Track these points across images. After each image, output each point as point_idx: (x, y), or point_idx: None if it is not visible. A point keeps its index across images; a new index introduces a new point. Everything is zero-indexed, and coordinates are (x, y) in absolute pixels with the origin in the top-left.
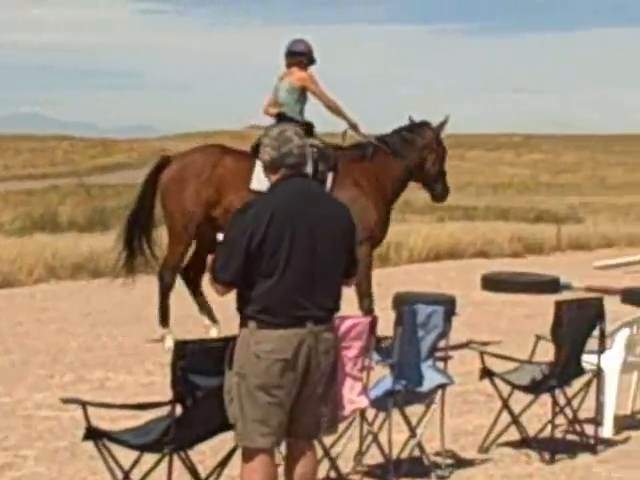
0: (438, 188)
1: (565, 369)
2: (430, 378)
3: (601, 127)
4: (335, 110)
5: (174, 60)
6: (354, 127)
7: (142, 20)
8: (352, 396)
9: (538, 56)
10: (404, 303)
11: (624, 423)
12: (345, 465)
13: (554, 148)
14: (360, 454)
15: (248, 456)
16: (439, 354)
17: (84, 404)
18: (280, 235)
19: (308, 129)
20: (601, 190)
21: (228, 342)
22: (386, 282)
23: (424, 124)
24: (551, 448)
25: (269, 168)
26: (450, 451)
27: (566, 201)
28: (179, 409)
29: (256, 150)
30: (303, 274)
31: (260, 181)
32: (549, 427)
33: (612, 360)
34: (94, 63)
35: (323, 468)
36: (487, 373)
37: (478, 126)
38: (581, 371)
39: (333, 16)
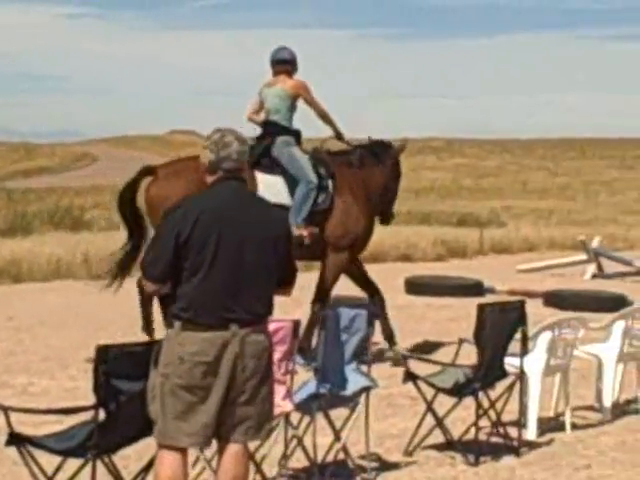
0: (390, 210)
1: (488, 372)
2: (354, 381)
3: (523, 132)
4: (326, 118)
5: (98, 64)
6: (340, 135)
7: (64, 24)
8: (277, 400)
9: (458, 61)
10: (329, 307)
11: (547, 425)
12: (270, 469)
13: (476, 152)
14: (285, 458)
15: (161, 453)
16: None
17: (6, 409)
18: (206, 236)
19: (297, 137)
20: (523, 194)
21: (151, 346)
22: (311, 286)
23: (389, 143)
24: (475, 451)
25: (208, 170)
26: (375, 454)
27: (488, 205)
28: (102, 414)
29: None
30: (229, 276)
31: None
32: (473, 430)
33: (534, 363)
34: (14, 67)
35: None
36: (411, 376)
37: (399, 131)
38: (504, 374)
39: (252, 21)
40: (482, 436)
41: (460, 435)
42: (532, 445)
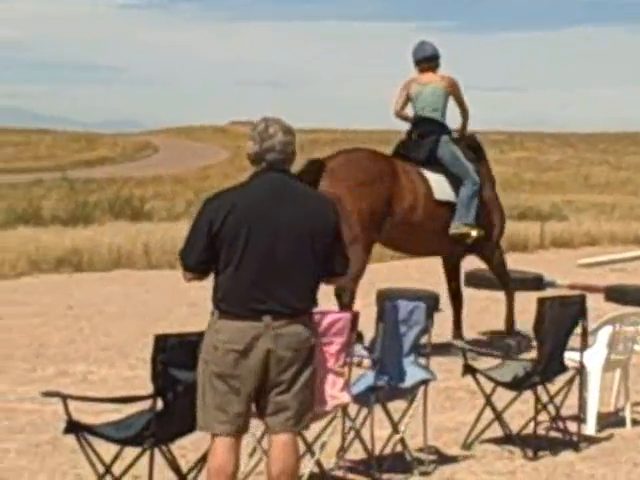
0: None
1: (548, 366)
2: (412, 374)
3: (584, 125)
4: (466, 117)
5: (157, 55)
6: (463, 133)
7: (124, 14)
8: (334, 392)
9: (520, 54)
10: (387, 299)
11: (607, 420)
12: (328, 460)
13: (538, 146)
14: (343, 450)
15: (212, 441)
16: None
17: (65, 397)
18: (237, 229)
19: (451, 135)
20: (585, 188)
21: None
22: (370, 278)
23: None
24: (534, 445)
25: (252, 161)
26: (433, 447)
27: (550, 199)
28: (160, 403)
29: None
30: (260, 269)
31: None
32: (532, 424)
33: (594, 357)
34: (76, 58)
35: (306, 463)
36: (470, 369)
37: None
38: (564, 368)
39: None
40: (541, 430)
41: (519, 429)
42: (591, 440)
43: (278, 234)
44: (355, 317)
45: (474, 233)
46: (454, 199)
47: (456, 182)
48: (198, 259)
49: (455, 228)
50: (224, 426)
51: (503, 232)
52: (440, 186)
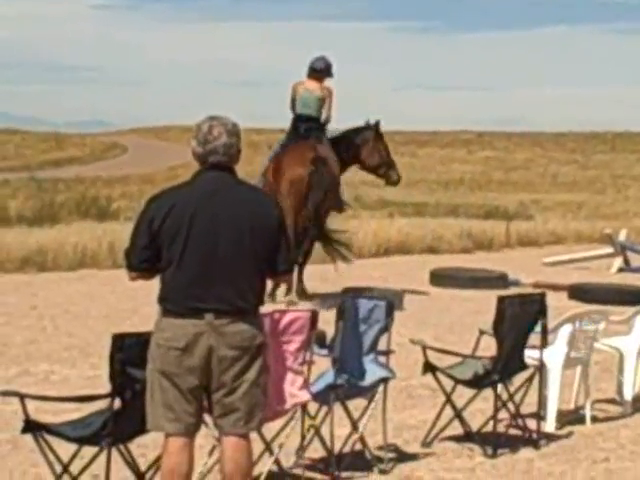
0: None
1: (507, 364)
2: (372, 372)
3: (553, 125)
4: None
5: (128, 55)
6: None
7: (96, 15)
8: (293, 390)
9: (491, 54)
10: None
11: (567, 418)
12: (287, 459)
13: (506, 145)
14: (302, 448)
15: (165, 441)
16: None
17: (22, 397)
18: (177, 227)
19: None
20: (552, 187)
21: None
22: (335, 277)
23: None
24: (493, 442)
25: (197, 161)
26: (392, 445)
27: (517, 198)
28: (118, 402)
29: None
30: (200, 267)
31: None
32: (492, 422)
33: (555, 355)
34: (45, 57)
35: (265, 462)
36: (430, 368)
37: (430, 123)
38: (523, 366)
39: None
40: (501, 428)
41: (479, 427)
42: (551, 437)
43: (219, 232)
44: (314, 315)
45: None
46: None
47: None
48: (140, 258)
49: None
50: (172, 424)
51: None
52: None
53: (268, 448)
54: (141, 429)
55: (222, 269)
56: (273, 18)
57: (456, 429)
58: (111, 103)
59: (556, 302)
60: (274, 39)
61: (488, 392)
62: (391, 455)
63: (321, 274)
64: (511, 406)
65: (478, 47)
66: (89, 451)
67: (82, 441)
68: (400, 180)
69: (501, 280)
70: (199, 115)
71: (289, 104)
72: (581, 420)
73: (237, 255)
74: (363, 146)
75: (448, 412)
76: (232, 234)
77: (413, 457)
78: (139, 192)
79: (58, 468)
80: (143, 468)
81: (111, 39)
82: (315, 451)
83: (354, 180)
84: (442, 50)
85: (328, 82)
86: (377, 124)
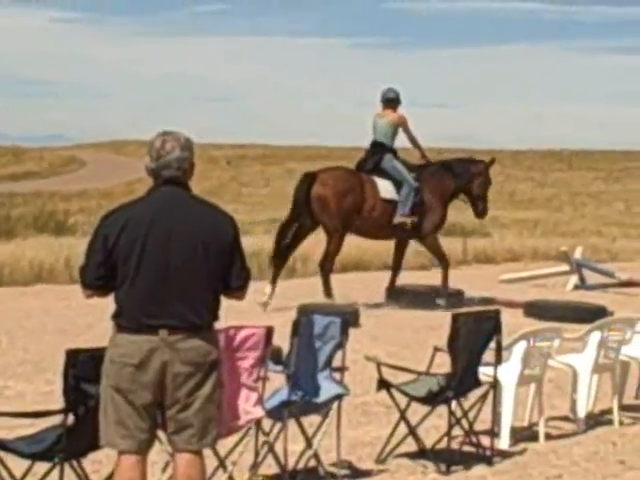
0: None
1: (462, 381)
2: (326, 389)
3: (511, 143)
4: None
5: (88, 69)
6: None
7: (56, 28)
8: (247, 406)
9: (451, 71)
10: (307, 314)
11: (521, 435)
12: (241, 476)
13: None
14: (256, 464)
15: (118, 457)
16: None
17: None
18: (131, 243)
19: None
20: (509, 205)
21: None
22: (292, 294)
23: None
24: (447, 459)
25: (151, 176)
26: (346, 462)
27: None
28: (71, 418)
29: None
30: (154, 284)
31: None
32: (446, 438)
33: (509, 372)
34: (3, 70)
35: (219, 478)
36: (384, 384)
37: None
38: (478, 383)
39: (251, 28)
40: (454, 445)
41: (433, 444)
42: (505, 454)
43: (172, 249)
44: (269, 332)
45: (408, 221)
46: (396, 197)
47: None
48: (95, 275)
49: (396, 218)
50: (126, 441)
51: (440, 224)
52: (386, 188)
53: (222, 464)
54: (94, 445)
55: (176, 285)
56: (234, 33)
57: (410, 446)
58: (70, 117)
59: (512, 319)
60: (235, 54)
61: (442, 409)
62: (345, 472)
63: (278, 290)
64: (465, 423)
65: (434, 64)
66: (42, 467)
67: (35, 457)
68: (486, 215)
69: (457, 297)
70: (158, 130)
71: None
72: (534, 437)
73: (191, 271)
74: (477, 176)
75: (402, 429)
76: (186, 250)
77: (367, 474)
78: (97, 207)
79: None
80: None
81: (71, 53)
82: (269, 467)
83: None
84: (403, 66)
85: (399, 109)
86: (492, 161)
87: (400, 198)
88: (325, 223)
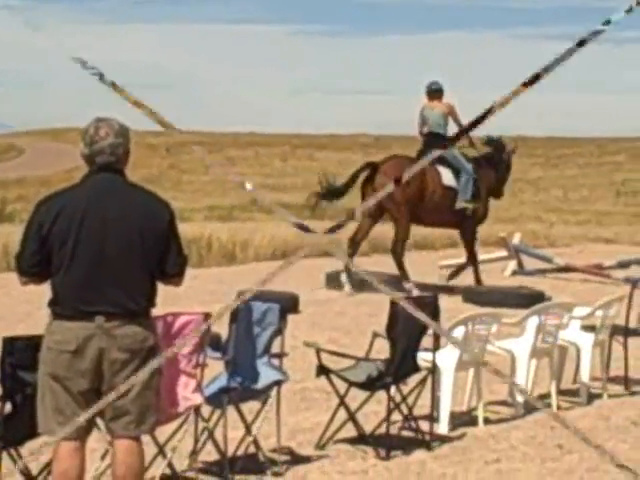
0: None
1: (401, 366)
2: (265, 375)
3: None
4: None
5: (24, 57)
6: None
7: None
8: (186, 393)
9: (391, 57)
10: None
11: (460, 420)
12: (180, 462)
13: (403, 149)
14: (195, 451)
15: (56, 444)
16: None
17: None
18: (66, 230)
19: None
20: None
21: None
22: (231, 280)
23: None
24: (387, 444)
25: (86, 163)
26: (287, 448)
27: None
28: (8, 406)
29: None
30: (89, 270)
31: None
32: (385, 424)
33: (447, 357)
34: None
35: (158, 465)
36: (324, 370)
37: (326, 127)
38: (416, 368)
39: (187, 14)
40: (394, 430)
41: (372, 429)
42: (444, 439)
43: (107, 235)
44: (207, 318)
45: (470, 206)
46: (456, 185)
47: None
48: (30, 262)
49: (458, 204)
50: (64, 429)
51: (483, 217)
52: (447, 176)
53: (161, 451)
54: (32, 433)
55: (112, 271)
56: (173, 20)
57: (350, 431)
58: (9, 105)
59: (450, 305)
60: (174, 42)
61: (381, 394)
62: (285, 458)
63: (217, 276)
64: (404, 408)
65: (376, 51)
66: None
67: None
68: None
69: (397, 283)
70: (92, 117)
71: (418, 124)
72: (473, 422)
73: (127, 257)
74: (508, 168)
75: (342, 414)
76: (121, 236)
77: (307, 459)
78: (36, 194)
79: None
80: (35, 472)
81: (8, 40)
82: (209, 454)
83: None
84: (340, 54)
85: (445, 99)
86: (515, 148)
87: (460, 186)
88: (391, 211)
